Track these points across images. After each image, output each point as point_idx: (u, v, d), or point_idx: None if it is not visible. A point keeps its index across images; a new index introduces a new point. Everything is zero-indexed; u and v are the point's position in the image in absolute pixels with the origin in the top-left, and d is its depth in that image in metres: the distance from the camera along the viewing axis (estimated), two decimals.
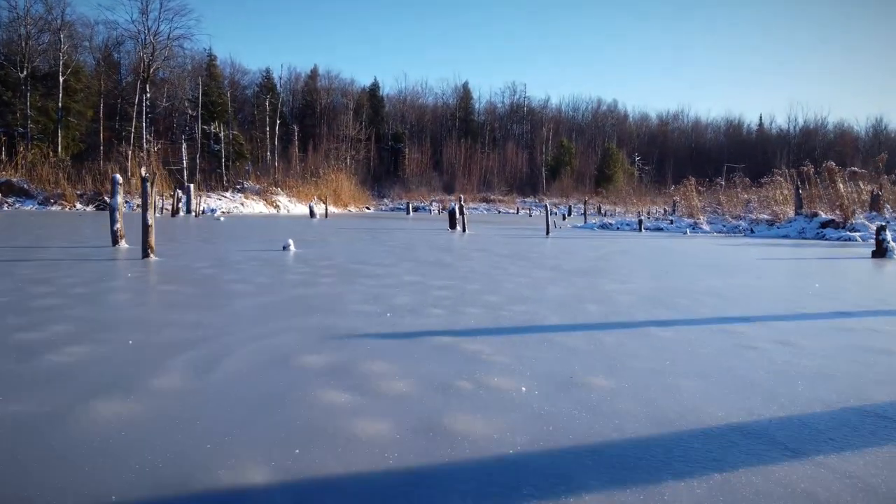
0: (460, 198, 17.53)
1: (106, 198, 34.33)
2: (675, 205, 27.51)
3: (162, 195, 30.83)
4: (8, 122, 38.10)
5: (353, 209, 47.41)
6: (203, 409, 2.00)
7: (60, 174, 34.15)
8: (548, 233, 15.34)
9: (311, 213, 27.52)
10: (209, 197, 37.28)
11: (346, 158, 56.87)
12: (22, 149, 35.03)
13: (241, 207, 37.29)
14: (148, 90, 43.49)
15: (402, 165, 64.41)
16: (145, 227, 6.92)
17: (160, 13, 43.68)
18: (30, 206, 31.60)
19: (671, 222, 21.89)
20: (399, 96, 72.09)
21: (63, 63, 39.19)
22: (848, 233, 16.43)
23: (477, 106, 75.49)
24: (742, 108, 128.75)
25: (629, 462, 1.63)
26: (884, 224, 10.41)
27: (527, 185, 65.20)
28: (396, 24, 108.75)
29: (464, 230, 15.91)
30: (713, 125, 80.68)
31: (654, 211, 41.04)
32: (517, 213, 51.28)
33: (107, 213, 28.74)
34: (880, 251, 10.11)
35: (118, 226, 8.44)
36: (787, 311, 4.34)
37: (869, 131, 74.87)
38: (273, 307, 3.99)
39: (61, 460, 1.57)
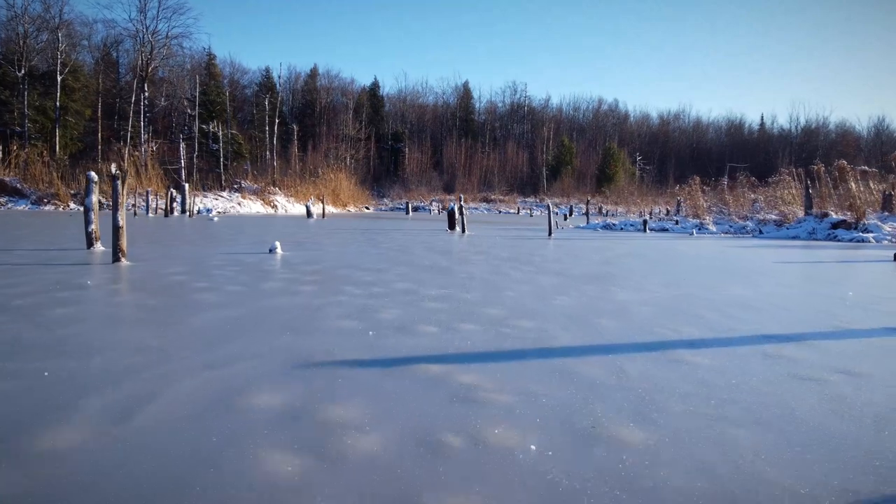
0: (460, 197, 16.99)
1: (100, 198, 33.86)
2: (679, 205, 26.95)
3: (156, 195, 30.33)
4: (5, 121, 37.65)
5: (352, 209, 46.89)
6: (95, 480, 1.46)
7: (54, 174, 33.66)
8: (550, 234, 14.79)
9: (308, 214, 26.98)
10: (205, 197, 36.79)
11: (345, 158, 56.35)
12: (15, 147, 34.54)
13: (237, 207, 36.78)
14: (146, 89, 43.00)
15: (402, 165, 63.90)
16: (116, 230, 6.38)
17: (158, 11, 43.26)
18: (23, 206, 31.09)
19: (676, 223, 21.34)
20: (399, 96, 71.62)
21: (61, 62, 38.74)
22: (860, 234, 15.87)
23: (477, 105, 75.03)
24: (743, 108, 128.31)
25: None
26: None
27: (527, 184, 64.66)
28: (397, 24, 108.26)
29: (463, 231, 15.37)
30: (714, 125, 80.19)
31: (657, 211, 40.55)
32: (518, 213, 50.74)
33: (99, 214, 28.17)
34: None
35: (93, 227, 7.90)
36: (831, 326, 3.79)
37: (871, 131, 74.39)
38: (239, 323, 3.44)
39: None
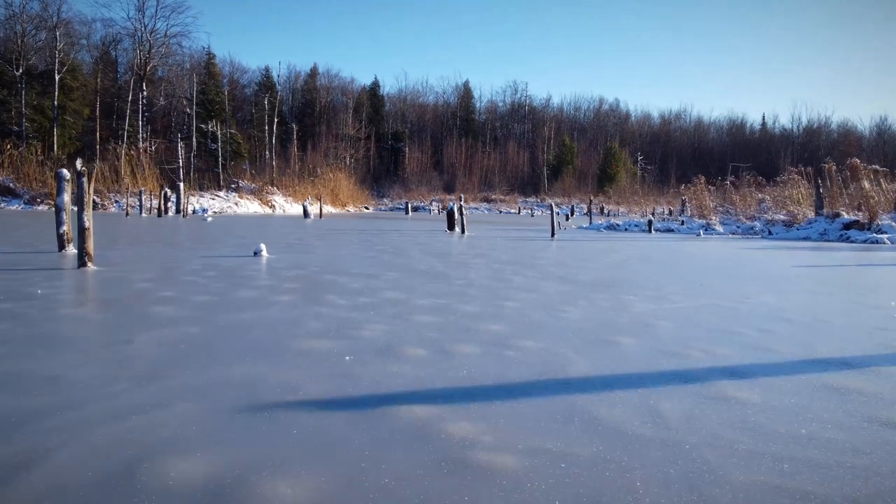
0: (460, 197, 16.46)
1: (95, 198, 33.37)
2: (683, 204, 26.39)
3: (150, 195, 29.81)
4: (3, 120, 37.25)
5: (351, 209, 46.36)
6: None
7: (48, 173, 33.14)
8: (553, 235, 14.25)
9: (305, 214, 26.46)
10: (202, 196, 36.27)
11: (345, 158, 55.85)
12: (9, 147, 34.05)
13: (234, 207, 36.25)
14: (145, 88, 42.54)
15: (403, 165, 63.37)
16: (81, 232, 5.84)
17: (157, 10, 42.84)
18: (15, 206, 30.59)
19: (682, 223, 20.78)
20: (399, 95, 71.10)
21: (59, 61, 38.32)
22: (874, 234, 15.30)
23: (478, 105, 74.49)
24: (745, 108, 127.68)
25: None
26: None
27: (528, 184, 64.10)
28: (397, 23, 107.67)
29: (463, 232, 14.83)
30: (716, 124, 79.63)
31: (659, 211, 39.94)
32: (518, 213, 50.20)
33: (96, 214, 27.78)
34: None
35: (65, 228, 7.36)
36: (889, 346, 3.24)
37: (873, 131, 73.94)
38: (193, 344, 2.90)
39: None
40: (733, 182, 23.34)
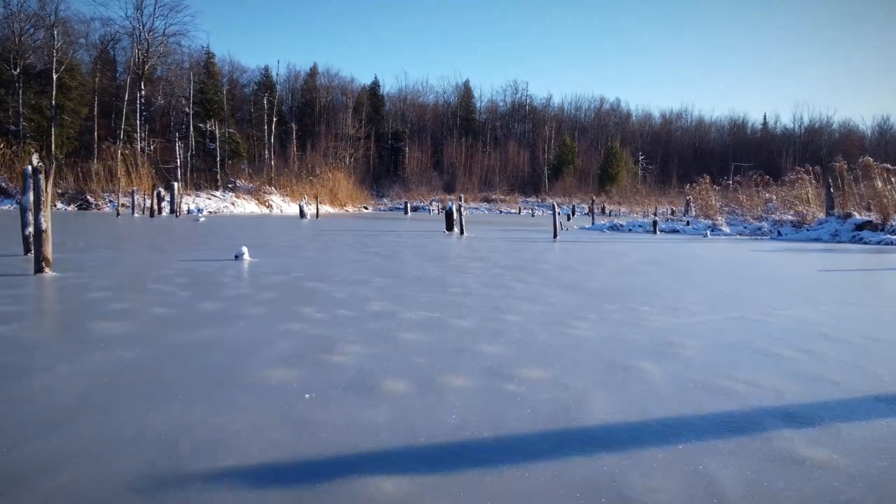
0: (460, 197, 15.94)
1: (89, 197, 32.90)
2: (688, 204, 25.85)
3: (144, 194, 29.30)
4: (0, 120, 36.86)
5: (350, 209, 45.83)
6: None
7: None
8: (555, 236, 13.71)
9: (302, 214, 25.94)
10: (198, 196, 35.75)
11: (344, 157, 55.36)
12: (2, 146, 33.58)
13: (231, 207, 35.74)
14: (143, 87, 42.08)
15: (402, 165, 62.86)
16: (38, 235, 5.32)
17: (155, 9, 42.39)
18: (7, 206, 30.08)
19: (687, 223, 20.24)
20: (399, 95, 70.59)
21: (57, 60, 37.91)
22: (889, 236, 14.77)
23: (478, 104, 73.94)
24: (746, 108, 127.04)
25: None
26: None
27: (529, 184, 63.55)
28: (397, 23, 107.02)
29: (462, 233, 14.30)
30: (717, 124, 79.08)
31: (661, 211, 39.40)
32: (519, 213, 49.66)
33: (85, 213, 27.16)
34: None
35: (30, 230, 6.83)
36: None
37: (875, 130, 73.51)
38: (124, 374, 2.37)
39: None
40: (738, 181, 22.77)
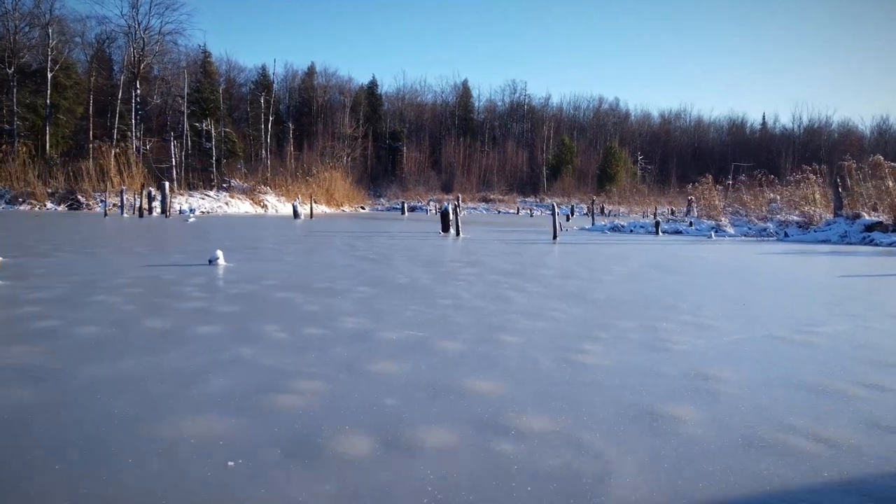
0: (458, 197, 15.38)
1: (80, 197, 32.26)
2: (689, 204, 25.28)
3: (134, 194, 28.67)
4: None
5: (347, 209, 45.21)
6: None
7: (30, 172, 32.04)
8: (555, 237, 13.13)
9: (295, 214, 25.32)
10: (191, 196, 35.13)
11: (342, 157, 54.78)
12: None
13: (224, 207, 35.10)
14: (138, 86, 41.46)
15: (400, 164, 62.29)
16: None
17: (150, 7, 41.82)
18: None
19: (690, 224, 19.67)
20: (397, 94, 70.02)
21: (52, 59, 37.33)
22: None
23: (476, 104, 73.37)
24: (745, 108, 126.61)
25: None
26: None
27: (527, 184, 62.99)
28: (396, 22, 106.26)
29: (458, 234, 13.72)
30: (716, 124, 78.64)
31: (660, 211, 38.78)
32: (517, 213, 49.07)
33: (75, 213, 26.55)
34: None
35: None
36: None
37: (874, 131, 73.23)
38: None
39: None
40: (743, 181, 22.21)
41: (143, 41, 42.26)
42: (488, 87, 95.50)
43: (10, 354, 2.65)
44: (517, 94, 73.31)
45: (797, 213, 19.01)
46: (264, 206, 38.24)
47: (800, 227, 17.64)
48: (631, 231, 19.09)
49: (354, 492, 1.45)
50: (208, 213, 31.33)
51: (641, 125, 76.54)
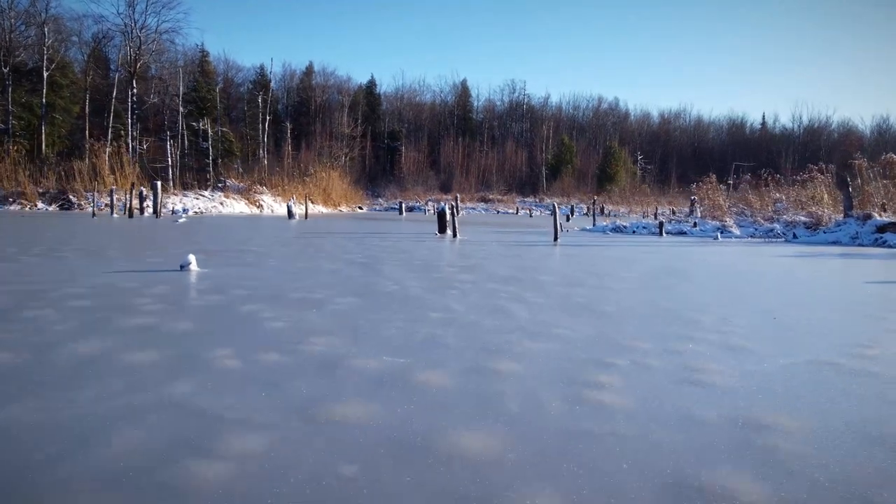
0: (456, 197, 14.85)
1: (72, 197, 31.68)
2: (692, 204, 24.75)
3: (125, 194, 28.09)
4: None
5: (344, 209, 44.64)
6: None
7: (21, 171, 31.48)
8: (556, 238, 12.59)
9: (290, 214, 24.77)
10: (185, 196, 34.57)
11: (340, 157, 54.25)
12: None
13: (219, 207, 34.53)
14: (135, 86, 40.92)
15: (399, 164, 61.75)
16: None
17: (147, 6, 41.29)
18: None
19: (694, 225, 19.12)
20: (396, 94, 69.50)
21: (48, 58, 36.83)
22: None
23: (475, 104, 72.85)
24: (745, 107, 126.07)
25: None
26: None
27: (526, 184, 62.45)
28: (395, 22, 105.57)
29: (455, 235, 13.17)
30: (716, 124, 78.19)
31: (660, 211, 38.24)
32: (517, 213, 48.52)
33: (66, 213, 26.00)
34: None
35: None
36: None
37: (874, 130, 72.89)
38: None
39: None
40: (748, 181, 21.68)
41: (140, 40, 41.75)
42: (487, 86, 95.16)
43: None
44: (516, 94, 72.83)
45: (804, 213, 18.50)
46: (260, 207, 37.67)
47: (807, 227, 17.11)
48: (634, 232, 18.54)
49: None
50: (202, 213, 30.76)
51: (641, 125, 76.09)
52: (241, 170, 45.60)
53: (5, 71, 36.27)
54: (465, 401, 2.18)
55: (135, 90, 40.89)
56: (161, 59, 45.37)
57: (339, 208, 44.37)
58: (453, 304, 4.32)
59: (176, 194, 34.43)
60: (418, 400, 2.18)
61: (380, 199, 54.62)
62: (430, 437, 1.83)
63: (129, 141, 38.67)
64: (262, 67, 57.84)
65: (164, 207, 28.43)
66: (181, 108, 43.94)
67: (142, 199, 25.16)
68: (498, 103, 73.16)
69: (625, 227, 19.82)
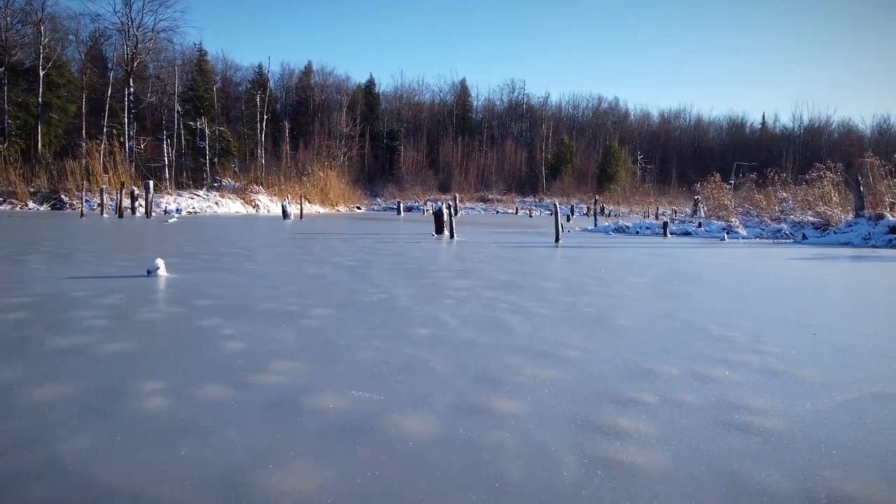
0: (455, 197, 14.32)
1: (64, 197, 31.13)
2: (696, 204, 24.22)
3: (117, 193, 27.54)
4: None
5: (341, 209, 44.09)
6: None
7: (11, 170, 30.93)
8: (557, 240, 12.05)
9: (284, 214, 24.22)
10: (180, 195, 34.03)
11: (338, 156, 53.73)
12: None
13: (214, 207, 33.97)
14: (132, 84, 40.40)
15: (398, 164, 61.22)
16: None
17: (144, 4, 40.79)
18: None
19: (699, 225, 18.59)
20: (395, 93, 69.01)
21: (44, 57, 36.34)
22: None
23: (475, 103, 72.32)
24: (745, 107, 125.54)
25: None
26: None
27: (526, 184, 61.92)
28: (394, 21, 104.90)
29: (451, 236, 12.63)
30: (716, 124, 77.72)
31: (662, 212, 37.74)
32: (516, 213, 47.99)
33: (57, 213, 25.43)
34: None
35: None
36: None
37: (875, 130, 72.54)
38: None
39: None
40: (754, 180, 21.14)
41: (137, 38, 41.23)
42: (486, 86, 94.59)
43: None
44: (516, 94, 72.33)
45: (812, 213, 17.98)
46: (256, 206, 37.12)
47: (816, 228, 16.59)
48: (637, 232, 18.00)
49: None
50: (195, 213, 30.20)
51: (641, 124, 75.64)
52: (237, 169, 45.12)
53: (1, 70, 35.75)
54: (450, 461, 1.65)
55: (132, 89, 40.36)
56: (159, 57, 44.92)
57: (336, 208, 43.84)
58: (445, 316, 3.78)
59: (170, 194, 33.91)
60: (385, 461, 1.64)
61: (378, 199, 54.08)
62: None
63: (126, 140, 38.17)
64: (259, 67, 57.35)
65: (158, 207, 27.92)
66: (178, 108, 43.40)
67: (133, 198, 24.62)
68: (497, 103, 72.67)
69: (627, 227, 19.28)
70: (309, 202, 38.02)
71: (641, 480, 1.56)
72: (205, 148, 43.29)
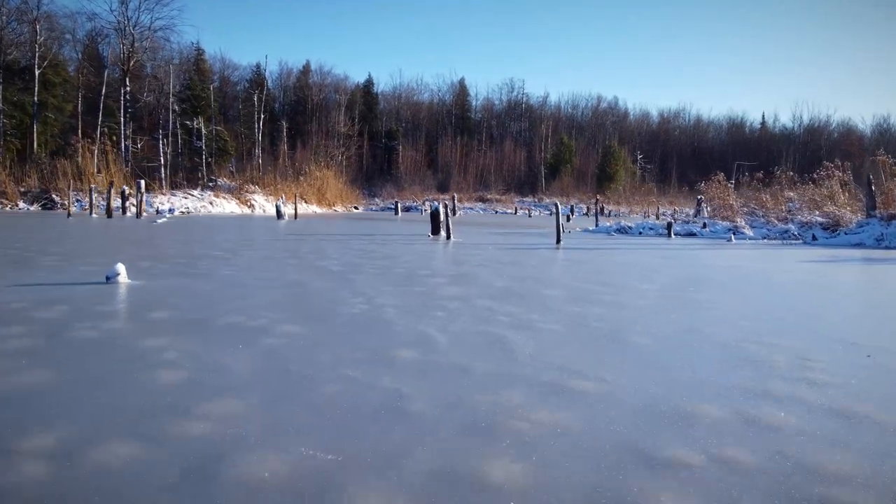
0: (453, 197, 13.80)
1: (55, 196, 30.58)
2: (699, 204, 23.70)
3: (108, 193, 26.98)
4: None
5: (339, 209, 43.54)
6: None
7: (0, 170, 30.38)
8: (558, 241, 11.52)
9: (279, 215, 23.67)
10: (173, 195, 33.47)
11: (336, 156, 53.19)
12: None
13: (208, 207, 33.42)
14: (128, 84, 39.85)
15: (396, 163, 60.70)
16: None
17: (140, 3, 40.27)
18: None
19: (703, 226, 18.07)
20: (394, 93, 68.49)
21: (40, 55, 35.83)
22: None
23: (474, 103, 71.81)
24: (744, 107, 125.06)
25: None
26: None
27: (525, 184, 61.43)
28: (393, 21, 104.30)
29: (448, 237, 12.10)
30: (715, 124, 77.27)
31: (663, 212, 37.25)
32: (515, 213, 47.46)
33: (47, 213, 24.85)
34: None
35: None
36: None
37: (875, 130, 72.23)
38: None
39: None
40: (759, 179, 20.62)
41: (133, 37, 40.71)
42: (486, 85, 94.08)
43: None
44: (515, 93, 71.83)
45: (819, 213, 17.46)
46: (251, 206, 36.57)
47: (825, 228, 16.07)
48: (640, 233, 17.47)
49: None
50: (189, 212, 29.65)
51: (640, 124, 75.20)
52: (233, 169, 44.59)
53: None
54: None
55: (128, 88, 39.82)
56: (156, 56, 44.40)
57: (333, 208, 43.29)
58: (434, 333, 3.24)
59: (163, 193, 33.38)
60: None
61: (376, 199, 53.53)
62: None
63: (122, 139, 37.67)
64: (257, 66, 56.84)
65: (150, 207, 27.38)
66: (174, 107, 42.88)
67: (124, 198, 24.07)
68: (496, 102, 72.17)
69: (630, 227, 18.74)
70: (305, 202, 37.52)
71: None
72: (201, 147, 42.78)
